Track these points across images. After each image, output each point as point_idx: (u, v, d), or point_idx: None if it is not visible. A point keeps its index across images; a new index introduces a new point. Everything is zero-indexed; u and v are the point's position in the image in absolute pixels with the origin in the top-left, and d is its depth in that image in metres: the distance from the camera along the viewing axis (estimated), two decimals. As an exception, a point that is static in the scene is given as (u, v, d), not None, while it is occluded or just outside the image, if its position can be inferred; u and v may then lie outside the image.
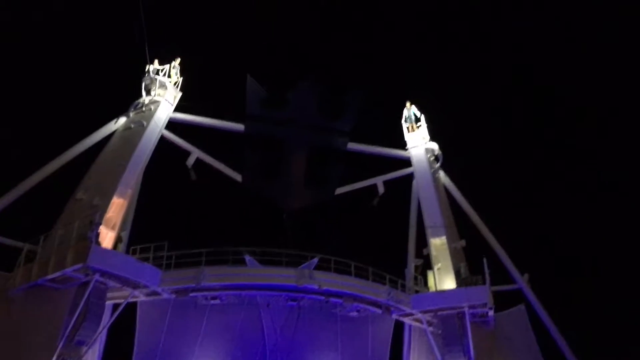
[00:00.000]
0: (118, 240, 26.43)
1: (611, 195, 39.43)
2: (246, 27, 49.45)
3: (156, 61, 31.37)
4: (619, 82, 41.75)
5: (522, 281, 29.81)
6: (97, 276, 22.23)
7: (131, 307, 28.03)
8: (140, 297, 25.36)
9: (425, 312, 27.61)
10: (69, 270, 21.90)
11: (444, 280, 28.78)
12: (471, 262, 29.38)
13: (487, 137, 44.56)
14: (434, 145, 33.63)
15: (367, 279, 27.07)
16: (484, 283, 26.67)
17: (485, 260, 27.15)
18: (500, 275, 29.46)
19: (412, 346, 31.30)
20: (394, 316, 28.96)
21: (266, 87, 32.12)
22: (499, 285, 29.37)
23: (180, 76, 32.11)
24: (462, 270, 28.43)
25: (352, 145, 33.65)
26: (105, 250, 23.36)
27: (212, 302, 26.62)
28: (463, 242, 30.23)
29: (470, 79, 48.22)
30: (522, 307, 29.23)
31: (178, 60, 32.25)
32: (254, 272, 26.43)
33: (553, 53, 46.70)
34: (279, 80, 34.46)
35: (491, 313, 27.06)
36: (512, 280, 30.08)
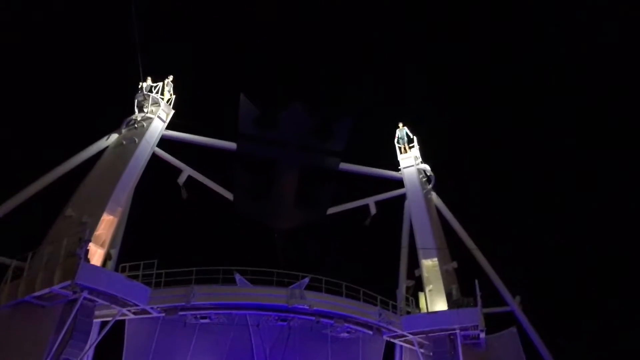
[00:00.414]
0: (107, 257, 26.20)
1: (605, 215, 39.66)
2: (240, 45, 49.79)
3: (149, 78, 31.40)
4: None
5: (514, 303, 29.75)
6: (85, 294, 21.93)
7: (119, 325, 27.68)
8: (128, 315, 25.05)
9: (416, 333, 27.48)
10: (56, 287, 21.60)
11: (435, 301, 28.69)
12: (463, 284, 29.38)
13: (479, 159, 44.82)
14: (426, 167, 33.73)
15: (359, 299, 26.88)
16: (476, 305, 26.63)
17: (477, 282, 27.16)
18: (492, 297, 29.41)
19: (403, 368, 31.00)
20: (385, 337, 28.75)
21: (259, 106, 32.19)
22: (491, 307, 29.27)
23: (173, 94, 32.15)
24: (454, 292, 28.37)
25: (344, 166, 33.70)
26: (94, 268, 23.11)
27: (202, 321, 26.28)
28: (455, 264, 30.24)
29: (463, 101, 48.65)
30: (513, 329, 29.16)
31: (171, 77, 32.34)
32: (244, 291, 26.19)
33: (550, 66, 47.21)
34: (271, 100, 34.64)
35: (483, 335, 26.90)
36: (504, 303, 30.00)
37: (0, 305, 22.86)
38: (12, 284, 23.20)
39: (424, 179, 33.63)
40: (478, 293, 26.75)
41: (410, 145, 34.64)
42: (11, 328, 22.33)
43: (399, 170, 34.26)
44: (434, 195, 33.40)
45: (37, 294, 22.06)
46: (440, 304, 28.36)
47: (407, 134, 34.90)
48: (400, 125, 35.02)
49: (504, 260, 32.08)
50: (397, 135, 34.98)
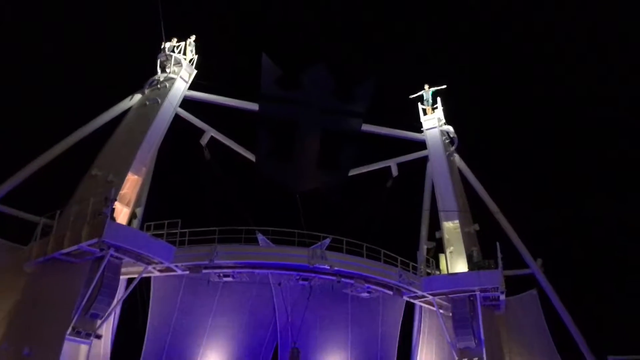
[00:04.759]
0: (132, 216, 26.76)
1: (631, 183, 38.98)
2: (263, 6, 49.13)
3: (174, 39, 31.23)
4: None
5: (535, 266, 29.68)
6: (111, 251, 22.47)
7: (145, 282, 28.40)
8: (154, 272, 25.69)
9: (436, 294, 27.70)
10: (84, 244, 22.15)
11: (456, 263, 28.80)
12: (484, 246, 29.38)
13: (503, 121, 44.09)
14: (450, 128, 33.30)
15: (379, 260, 27.10)
16: (497, 267, 26.65)
17: (498, 244, 27.10)
18: (513, 259, 29.35)
19: (422, 328, 31.41)
20: (405, 298, 29.09)
21: (281, 67, 31.92)
22: (512, 270, 29.27)
23: (196, 54, 32.00)
24: (475, 254, 28.41)
25: (366, 127, 33.45)
26: (120, 226, 23.58)
27: (225, 279, 26.80)
28: (476, 226, 30.19)
29: (488, 64, 47.64)
30: (533, 292, 29.22)
31: (193, 37, 32.11)
32: (266, 251, 26.62)
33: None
34: (294, 60, 34.27)
35: (502, 297, 27.04)
36: (525, 265, 29.94)
37: (30, 261, 23.55)
38: (41, 241, 23.85)
39: (447, 141, 33.28)
40: (499, 255, 26.71)
41: (434, 106, 34.19)
42: (41, 283, 23.01)
43: (422, 131, 33.93)
44: (456, 157, 33.08)
45: (65, 250, 22.66)
46: (460, 266, 28.45)
47: (432, 95, 34.36)
48: (427, 86, 34.43)
49: (526, 222, 31.87)
50: (422, 96, 34.47)
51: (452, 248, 29.40)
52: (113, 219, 22.88)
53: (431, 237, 31.63)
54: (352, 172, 33.79)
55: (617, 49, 43.18)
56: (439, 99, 34.17)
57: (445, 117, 33.97)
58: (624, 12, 41.56)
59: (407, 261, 28.12)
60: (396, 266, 27.32)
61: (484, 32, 48.19)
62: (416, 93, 34.57)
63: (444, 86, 34.02)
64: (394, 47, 49.16)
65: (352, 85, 32.87)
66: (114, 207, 23.20)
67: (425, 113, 34.11)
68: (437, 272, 29.25)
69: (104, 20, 40.80)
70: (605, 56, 43.83)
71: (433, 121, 33.71)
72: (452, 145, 33.11)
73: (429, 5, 49.55)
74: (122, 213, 25.93)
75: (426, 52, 47.70)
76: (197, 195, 31.42)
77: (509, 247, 29.50)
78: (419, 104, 34.36)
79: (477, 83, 45.85)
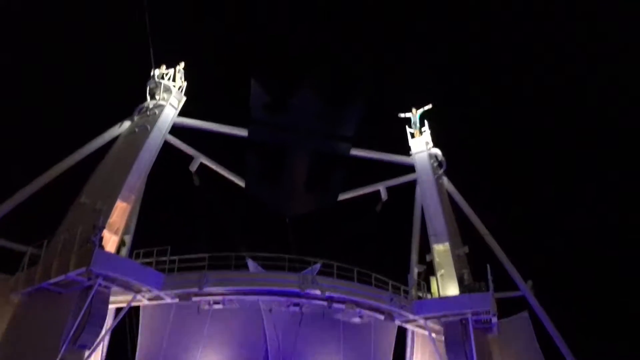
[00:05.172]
0: (121, 244, 26.52)
1: (616, 200, 39.32)
2: (251, 32, 49.55)
3: (163, 66, 31.41)
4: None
5: (525, 288, 29.68)
6: (100, 280, 22.23)
7: (134, 311, 28.06)
8: (142, 300, 25.39)
9: (428, 318, 27.60)
10: (72, 274, 21.89)
11: (447, 286, 28.73)
12: (474, 269, 29.37)
13: (490, 143, 44.51)
14: (438, 151, 33.57)
15: (370, 284, 27.01)
16: (488, 290, 26.61)
17: (488, 266, 27.10)
18: (503, 281, 29.37)
19: (414, 352, 31.24)
20: (397, 322, 28.93)
21: (270, 92, 32.12)
22: (503, 292, 29.26)
23: (185, 80, 32.17)
24: (466, 277, 28.42)
25: (355, 151, 33.62)
26: (109, 254, 23.40)
27: (215, 306, 26.52)
28: (466, 249, 30.22)
29: (473, 84, 48.20)
30: (525, 314, 29.16)
31: (182, 64, 32.30)
32: (256, 277, 26.41)
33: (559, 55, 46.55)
34: (283, 85, 34.49)
35: (494, 320, 26.92)
36: (515, 287, 29.94)
37: (18, 291, 23.23)
38: (29, 270, 23.57)
39: (436, 164, 33.49)
40: (490, 277, 26.71)
41: (422, 129, 34.44)
42: (29, 314, 22.71)
43: (410, 155, 34.13)
44: (445, 179, 33.30)
45: (53, 280, 22.37)
46: (452, 289, 28.40)
47: (420, 117, 34.63)
48: (414, 110, 34.76)
49: (515, 244, 31.97)
50: (410, 120, 34.68)
51: (442, 271, 29.35)
52: (101, 247, 22.71)
53: (422, 260, 31.62)
54: (342, 197, 33.87)
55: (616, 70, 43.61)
56: (426, 122, 34.46)
57: (433, 139, 34.22)
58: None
59: (398, 285, 28.06)
60: (387, 290, 27.22)
61: (467, 52, 48.95)
62: (404, 113, 34.84)
63: (429, 106, 34.35)
64: (382, 68, 49.63)
65: (339, 111, 33.06)
66: (102, 235, 23.01)
67: (413, 136, 34.37)
68: (429, 296, 29.16)
69: (92, 46, 40.94)
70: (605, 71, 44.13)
71: (421, 144, 33.98)
72: (441, 168, 33.30)
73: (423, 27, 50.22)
74: (110, 241, 25.65)
75: (413, 73, 48.20)
76: (186, 221, 31.34)
77: (500, 269, 29.56)
78: (407, 127, 34.62)
79: (463, 103, 46.36)
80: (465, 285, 27.89)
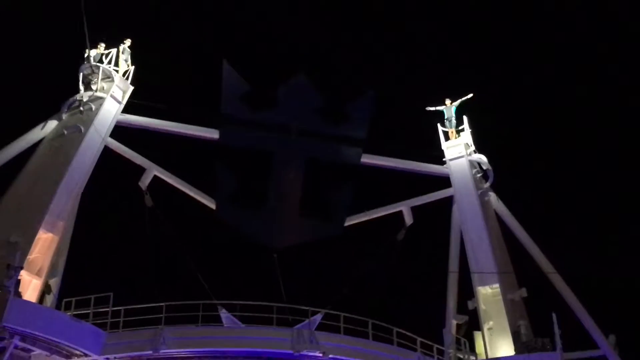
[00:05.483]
0: (45, 290, 26.48)
1: None
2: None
3: (101, 45, 31.57)
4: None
5: (606, 345, 29.63)
6: (16, 340, 22.11)
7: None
8: (76, 368, 25.31)
9: (473, 388, 27.59)
10: (-23, 332, 21.88)
11: (497, 344, 28.82)
12: (535, 320, 29.37)
13: (552, 146, 44.70)
14: (482, 158, 33.66)
15: (391, 343, 26.95)
16: (554, 348, 26.63)
17: (554, 316, 27.09)
18: (576, 336, 29.35)
19: None
20: (429, 394, 28.86)
21: (249, 79, 32.20)
22: (575, 352, 29.19)
23: (132, 65, 32.32)
24: (523, 331, 28.44)
25: (368, 159, 33.68)
26: (28, 305, 23.39)
27: (176, 376, 26.48)
28: (524, 292, 30.22)
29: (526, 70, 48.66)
30: (607, 379, 29.15)
31: (129, 42, 32.47)
32: (233, 334, 26.40)
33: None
34: (265, 71, 34.66)
35: (564, 388, 26.97)
36: (593, 345, 29.89)
37: None
38: None
39: (479, 175, 33.59)
40: (557, 331, 26.72)
41: (460, 128, 34.57)
42: None
43: (444, 163, 34.26)
44: (492, 196, 33.33)
45: (-47, 341, 22.35)
46: (504, 347, 28.46)
47: (456, 112, 34.77)
48: (448, 101, 34.91)
49: (591, 286, 32.02)
50: (443, 115, 34.89)
51: (491, 323, 29.47)
52: (18, 294, 22.70)
53: (462, 308, 31.61)
54: (350, 221, 33.85)
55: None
56: (465, 119, 34.56)
57: (476, 143, 34.38)
58: None
59: (429, 343, 27.98)
60: (415, 350, 27.18)
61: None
62: (434, 107, 35.02)
63: (470, 95, 34.51)
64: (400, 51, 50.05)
65: (346, 103, 33.06)
66: (19, 278, 22.98)
67: (447, 138, 34.47)
68: (473, 358, 29.13)
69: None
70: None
71: (459, 148, 34.15)
72: (486, 180, 33.38)
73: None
74: (31, 286, 25.70)
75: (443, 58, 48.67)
76: (135, 258, 31.33)
77: (570, 320, 29.53)
78: (439, 125, 34.73)
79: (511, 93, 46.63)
80: (523, 343, 27.90)
